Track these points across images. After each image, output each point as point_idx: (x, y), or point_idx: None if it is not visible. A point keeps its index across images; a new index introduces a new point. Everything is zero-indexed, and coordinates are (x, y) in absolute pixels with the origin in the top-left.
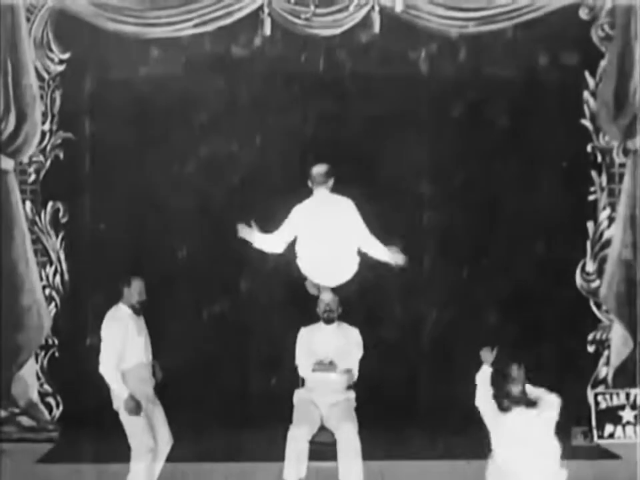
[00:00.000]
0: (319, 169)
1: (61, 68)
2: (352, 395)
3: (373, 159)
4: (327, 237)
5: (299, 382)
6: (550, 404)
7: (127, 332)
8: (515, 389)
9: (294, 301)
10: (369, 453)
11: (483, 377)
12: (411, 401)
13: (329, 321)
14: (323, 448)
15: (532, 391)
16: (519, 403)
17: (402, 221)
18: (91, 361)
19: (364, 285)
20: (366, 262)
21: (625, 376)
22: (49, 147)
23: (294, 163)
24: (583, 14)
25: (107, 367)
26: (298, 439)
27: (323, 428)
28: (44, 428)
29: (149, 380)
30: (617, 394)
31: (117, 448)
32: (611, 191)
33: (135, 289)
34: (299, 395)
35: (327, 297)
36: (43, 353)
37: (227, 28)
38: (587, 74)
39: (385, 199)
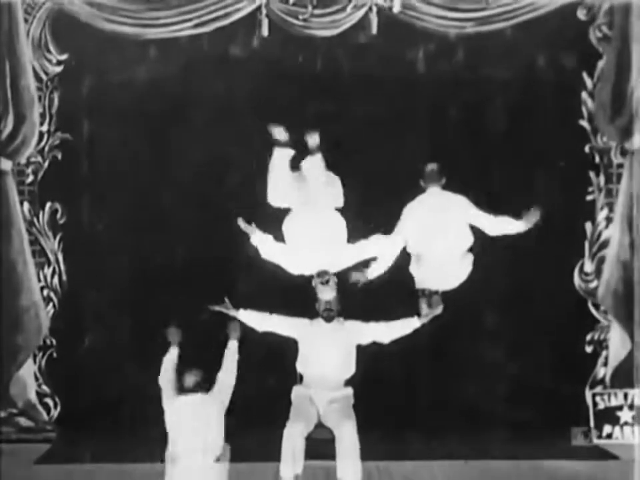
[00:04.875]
0: (432, 167)
1: (59, 69)
2: (350, 391)
3: (370, 159)
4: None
5: (296, 381)
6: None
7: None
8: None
9: (293, 301)
10: (366, 453)
11: None
12: (409, 401)
13: (328, 319)
14: (320, 445)
15: None
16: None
17: None
18: (89, 361)
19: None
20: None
21: (623, 376)
22: (47, 148)
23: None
24: (581, 14)
25: None
26: (294, 435)
27: (321, 425)
28: (42, 428)
29: None
30: (615, 394)
31: (114, 448)
32: (609, 191)
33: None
34: (296, 391)
35: (327, 296)
36: (41, 354)
37: (225, 29)
38: (584, 75)
39: (383, 200)
